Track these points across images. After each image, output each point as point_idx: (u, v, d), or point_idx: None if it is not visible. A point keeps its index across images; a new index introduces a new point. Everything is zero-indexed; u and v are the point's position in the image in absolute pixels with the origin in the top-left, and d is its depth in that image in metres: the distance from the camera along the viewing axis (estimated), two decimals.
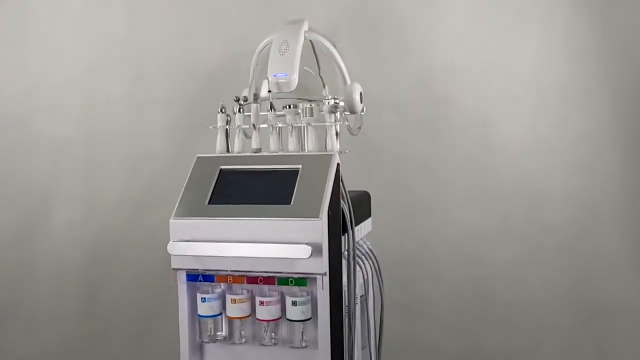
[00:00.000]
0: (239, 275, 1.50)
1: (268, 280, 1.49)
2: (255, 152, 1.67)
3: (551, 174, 2.28)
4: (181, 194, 1.57)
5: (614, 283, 2.27)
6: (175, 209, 1.54)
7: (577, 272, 2.28)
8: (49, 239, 2.34)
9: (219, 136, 1.70)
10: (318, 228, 1.43)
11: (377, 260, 1.77)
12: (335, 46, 1.82)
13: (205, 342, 1.58)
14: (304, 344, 1.50)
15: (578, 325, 2.29)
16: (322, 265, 1.43)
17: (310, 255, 1.40)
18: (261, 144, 1.66)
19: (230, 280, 1.51)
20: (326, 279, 1.45)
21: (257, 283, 1.50)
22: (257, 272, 1.48)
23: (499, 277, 2.29)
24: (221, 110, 1.70)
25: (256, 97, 1.68)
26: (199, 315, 1.55)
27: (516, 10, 2.28)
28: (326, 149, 1.62)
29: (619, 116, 2.23)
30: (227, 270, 1.49)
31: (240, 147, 1.68)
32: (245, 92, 1.83)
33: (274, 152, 1.65)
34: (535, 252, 2.29)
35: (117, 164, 2.36)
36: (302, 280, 1.47)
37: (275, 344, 1.53)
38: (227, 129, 1.71)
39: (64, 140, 2.32)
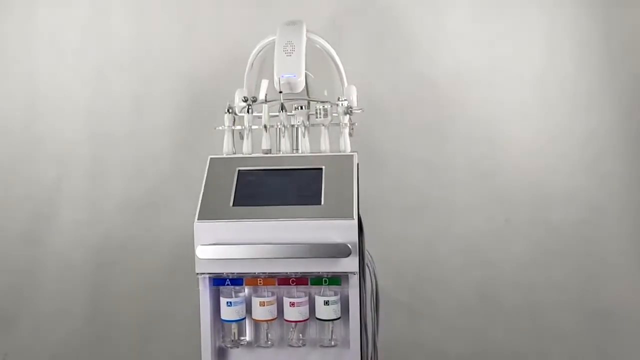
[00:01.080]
0: (270, 277, 1.48)
1: (300, 280, 1.48)
2: (265, 153, 1.66)
3: (557, 175, 2.30)
4: (201, 196, 1.53)
5: (619, 284, 2.28)
6: (198, 212, 1.50)
7: (582, 274, 2.30)
8: (54, 241, 2.30)
9: (227, 137, 1.67)
10: (353, 228, 1.45)
11: (372, 259, 1.79)
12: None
13: (229, 347, 1.54)
14: (333, 343, 1.52)
15: (583, 327, 2.30)
16: (356, 264, 1.46)
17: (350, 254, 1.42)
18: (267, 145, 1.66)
19: (260, 283, 1.49)
20: (356, 277, 1.47)
21: (289, 284, 1.49)
22: (293, 272, 1.46)
23: (504, 279, 2.30)
24: (228, 110, 1.67)
25: (266, 97, 1.67)
26: (224, 320, 1.51)
27: (522, 11, 2.30)
28: (339, 149, 1.65)
29: (624, 117, 2.28)
30: (264, 273, 1.47)
31: (250, 148, 1.66)
32: (237, 93, 1.81)
33: (288, 152, 1.65)
34: (540, 253, 2.30)
35: (122, 165, 2.31)
36: (336, 280, 1.48)
37: (303, 345, 1.53)
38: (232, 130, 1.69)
39: (69, 142, 2.29)
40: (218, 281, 1.50)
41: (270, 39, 1.80)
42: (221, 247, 1.45)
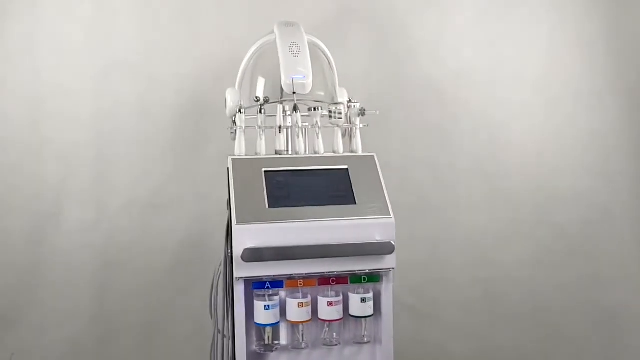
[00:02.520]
0: (309, 278, 1.48)
1: (340, 279, 1.50)
2: (278, 154, 1.64)
3: (561, 176, 2.32)
4: (234, 199, 1.48)
5: (624, 285, 2.31)
6: (235, 215, 1.45)
7: (587, 274, 2.32)
8: (59, 241, 2.24)
9: (242, 137, 1.63)
10: (392, 226, 1.50)
11: None
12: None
13: (263, 351, 1.51)
14: (366, 339, 1.55)
15: (588, 328, 2.33)
16: (394, 260, 1.51)
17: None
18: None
19: (301, 284, 1.48)
20: (392, 273, 1.53)
21: (329, 284, 1.50)
22: (338, 272, 1.48)
23: (508, 279, 2.33)
24: (240, 110, 1.63)
25: (281, 97, 1.66)
26: (259, 324, 1.48)
27: (526, 11, 2.32)
28: (351, 150, 1.68)
29: (629, 117, 2.30)
30: (308, 274, 1.46)
31: (264, 149, 1.64)
32: (230, 92, 1.76)
33: (302, 153, 1.64)
34: (545, 254, 2.33)
35: (127, 165, 2.24)
36: (375, 277, 1.52)
37: (338, 343, 1.54)
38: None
39: (74, 143, 2.22)
40: (257, 284, 1.47)
41: (266, 38, 1.78)
42: (268, 249, 1.42)
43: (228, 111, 1.72)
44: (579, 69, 2.35)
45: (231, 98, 1.72)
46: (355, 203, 1.51)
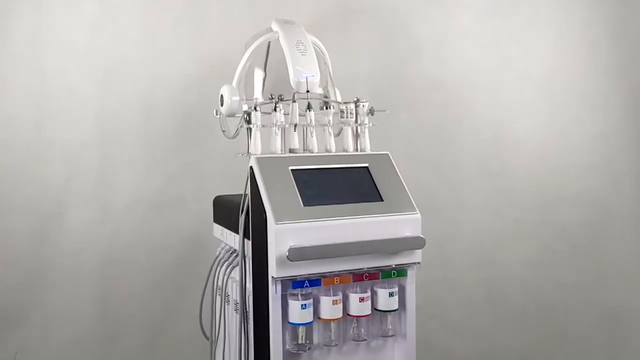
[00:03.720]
0: (345, 275, 1.49)
1: (372, 275, 1.53)
2: (292, 152, 1.63)
3: (565, 176, 2.33)
4: (267, 198, 1.45)
5: (627, 285, 2.34)
6: (272, 215, 1.42)
7: (590, 274, 2.35)
8: (64, 241, 2.21)
9: (257, 135, 1.60)
10: (419, 221, 1.55)
11: None
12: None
13: (297, 351, 1.50)
14: (391, 333, 1.59)
15: (591, 327, 2.36)
16: (420, 255, 1.56)
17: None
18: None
19: (337, 281, 1.49)
20: (416, 267, 1.58)
21: (363, 280, 1.52)
22: (373, 267, 1.51)
23: (512, 279, 2.35)
24: (255, 108, 1.61)
25: (294, 96, 1.64)
26: (295, 323, 1.47)
27: (531, 11, 2.33)
28: (359, 148, 1.71)
29: (633, 117, 2.31)
30: (345, 271, 1.47)
31: (279, 147, 1.62)
32: (227, 89, 1.72)
33: (316, 152, 1.65)
34: (548, 254, 2.36)
35: (131, 165, 2.23)
36: (403, 271, 1.56)
37: (367, 338, 1.56)
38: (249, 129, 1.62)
39: (78, 142, 2.19)
40: (296, 284, 1.45)
41: (267, 36, 1.76)
42: (313, 248, 1.41)
43: (226, 109, 1.68)
44: (584, 69, 2.37)
45: (229, 95, 1.68)
46: (382, 200, 1.55)
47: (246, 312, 1.59)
